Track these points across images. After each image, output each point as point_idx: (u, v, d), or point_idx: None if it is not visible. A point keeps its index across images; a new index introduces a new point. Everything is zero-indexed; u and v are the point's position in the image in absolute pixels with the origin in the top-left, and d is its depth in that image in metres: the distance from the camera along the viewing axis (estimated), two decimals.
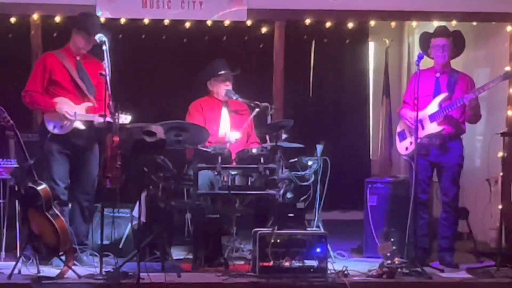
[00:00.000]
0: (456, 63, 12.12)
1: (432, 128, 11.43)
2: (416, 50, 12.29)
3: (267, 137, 11.75)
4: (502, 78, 11.54)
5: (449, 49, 11.57)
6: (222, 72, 12.00)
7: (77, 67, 11.31)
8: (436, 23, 12.41)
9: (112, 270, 10.49)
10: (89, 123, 11.16)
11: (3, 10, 12.37)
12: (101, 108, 10.97)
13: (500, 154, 12.57)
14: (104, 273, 10.45)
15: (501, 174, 12.66)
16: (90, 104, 11.23)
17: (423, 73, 11.39)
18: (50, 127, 11.14)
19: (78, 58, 11.35)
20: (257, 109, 11.74)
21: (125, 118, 10.87)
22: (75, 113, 11.08)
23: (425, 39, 11.76)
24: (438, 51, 11.52)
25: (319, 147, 11.52)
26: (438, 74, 11.61)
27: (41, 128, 11.26)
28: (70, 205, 11.35)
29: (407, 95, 11.89)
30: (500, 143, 12.34)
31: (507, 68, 11.99)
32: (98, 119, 11.04)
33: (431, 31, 11.88)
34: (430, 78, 11.55)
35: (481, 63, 13.53)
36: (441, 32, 11.69)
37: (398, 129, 11.98)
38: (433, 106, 11.45)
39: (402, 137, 11.84)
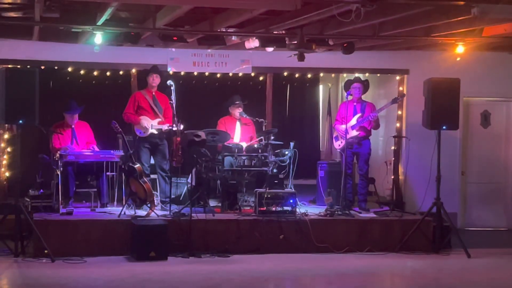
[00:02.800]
0: (368, 97, 12.16)
1: (353, 133, 11.39)
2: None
3: (263, 138, 11.48)
4: (391, 102, 11.59)
5: (361, 89, 11.51)
6: (237, 102, 11.81)
7: (153, 98, 11.27)
8: (357, 74, 12.31)
9: (176, 212, 10.59)
10: (160, 130, 11.15)
11: (115, 67, 12.23)
12: (167, 121, 11.15)
13: (393, 147, 12.70)
14: (171, 214, 10.55)
15: (393, 159, 12.65)
16: (160, 119, 11.19)
17: (347, 103, 11.40)
18: (137, 132, 11.17)
19: (153, 93, 11.30)
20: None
21: (181, 126, 10.84)
22: (151, 125, 11.08)
23: (348, 83, 11.64)
24: (355, 90, 11.44)
25: (291, 144, 11.41)
26: (355, 103, 11.50)
27: (133, 133, 11.23)
28: (150, 176, 11.28)
29: (338, 116, 11.78)
30: (393, 141, 12.62)
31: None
32: (165, 128, 11.12)
33: (351, 78, 11.89)
34: (351, 105, 11.46)
35: (382, 97, 13.29)
36: (357, 80, 11.66)
37: (334, 135, 11.86)
38: (353, 121, 11.39)
39: (336, 139, 11.73)
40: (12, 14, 10.20)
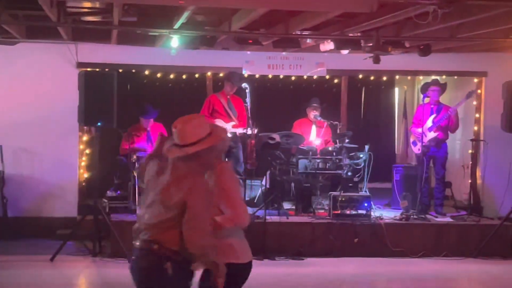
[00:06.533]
0: (445, 99, 12.00)
1: (431, 134, 11.24)
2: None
3: (337, 141, 11.57)
4: (465, 97, 11.53)
5: (439, 92, 11.45)
6: (314, 104, 11.87)
7: (227, 102, 11.39)
8: (433, 77, 12.07)
9: (250, 214, 10.27)
10: (234, 133, 11.21)
11: (191, 70, 12.33)
12: (241, 125, 11.27)
13: (470, 151, 12.54)
14: None
15: (471, 162, 12.47)
16: (234, 122, 11.29)
17: (424, 105, 11.35)
18: None
19: (228, 97, 11.42)
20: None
21: (254, 130, 10.97)
22: (225, 128, 11.14)
23: (425, 86, 11.54)
24: (434, 93, 11.37)
25: (366, 147, 11.31)
26: (432, 106, 11.44)
27: None
28: None
29: (414, 119, 11.74)
30: (470, 145, 12.44)
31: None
32: (239, 131, 11.22)
33: (428, 81, 11.74)
34: (427, 108, 11.38)
35: (460, 98, 12.61)
36: (435, 83, 11.55)
37: (411, 140, 11.73)
38: (429, 123, 11.27)
39: (414, 144, 11.59)
40: (91, 18, 10.40)
